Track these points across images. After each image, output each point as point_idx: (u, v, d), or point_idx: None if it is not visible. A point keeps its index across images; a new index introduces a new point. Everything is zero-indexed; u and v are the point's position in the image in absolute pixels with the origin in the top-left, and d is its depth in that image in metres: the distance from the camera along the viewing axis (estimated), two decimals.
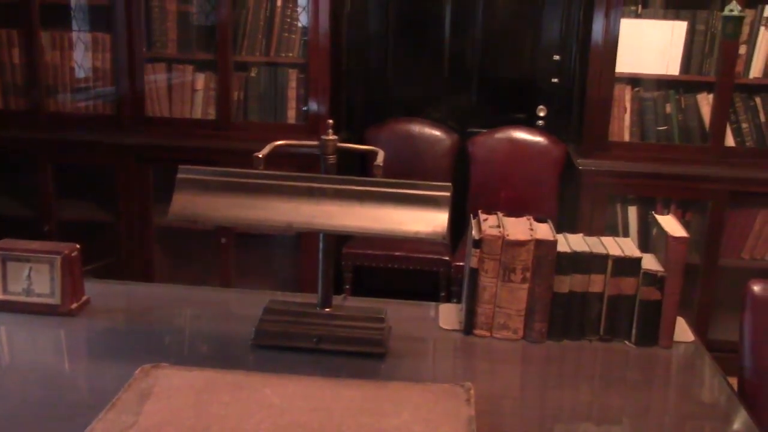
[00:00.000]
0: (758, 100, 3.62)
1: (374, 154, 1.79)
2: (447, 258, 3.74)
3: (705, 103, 3.64)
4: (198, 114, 3.87)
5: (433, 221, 1.65)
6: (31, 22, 3.80)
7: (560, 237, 1.89)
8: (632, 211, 3.74)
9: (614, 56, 3.59)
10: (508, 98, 4.29)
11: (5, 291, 1.93)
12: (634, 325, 1.88)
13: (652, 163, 3.62)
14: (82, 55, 3.89)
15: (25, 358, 1.79)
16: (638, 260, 1.86)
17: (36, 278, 1.91)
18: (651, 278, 1.85)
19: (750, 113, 3.63)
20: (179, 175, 1.74)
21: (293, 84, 3.81)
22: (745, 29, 3.51)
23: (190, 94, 3.86)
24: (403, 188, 1.68)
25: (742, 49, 3.55)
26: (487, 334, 1.90)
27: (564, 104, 4.16)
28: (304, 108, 3.80)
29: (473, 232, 1.88)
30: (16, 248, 1.93)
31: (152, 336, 1.89)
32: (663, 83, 3.68)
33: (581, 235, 1.96)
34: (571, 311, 1.88)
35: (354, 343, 1.78)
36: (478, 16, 4.20)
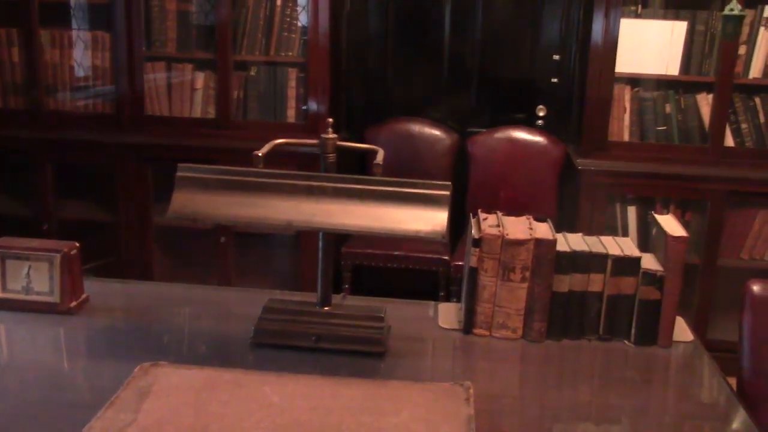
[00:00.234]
0: (758, 100, 3.62)
1: (374, 153, 1.79)
2: (446, 257, 3.74)
3: (704, 103, 3.64)
4: (197, 113, 3.86)
5: (432, 220, 1.65)
6: (30, 20, 3.80)
7: (559, 236, 1.89)
8: (631, 211, 3.74)
9: (614, 56, 3.59)
10: (508, 98, 4.29)
11: (4, 289, 1.92)
12: (634, 325, 1.88)
13: (652, 163, 3.62)
14: (82, 53, 3.89)
15: (24, 357, 1.78)
16: (637, 260, 1.86)
17: (35, 276, 1.91)
18: (650, 278, 1.85)
19: (749, 113, 3.63)
20: (178, 174, 1.74)
21: (293, 83, 3.81)
22: (745, 29, 3.51)
23: (190, 93, 3.86)
24: (402, 187, 1.68)
25: (742, 50, 3.55)
26: (487, 333, 1.90)
27: (563, 104, 4.16)
28: (304, 107, 3.80)
29: (473, 231, 1.88)
30: (15, 246, 1.93)
31: (151, 334, 1.89)
32: (662, 83, 3.68)
33: (580, 234, 1.96)
34: (571, 311, 1.88)
35: (353, 342, 1.78)
36: (477, 16, 4.20)
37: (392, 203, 1.67)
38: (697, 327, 3.60)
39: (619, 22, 3.56)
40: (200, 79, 3.84)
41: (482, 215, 1.95)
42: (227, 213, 1.72)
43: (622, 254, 1.86)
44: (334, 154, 1.78)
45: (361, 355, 1.77)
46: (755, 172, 3.57)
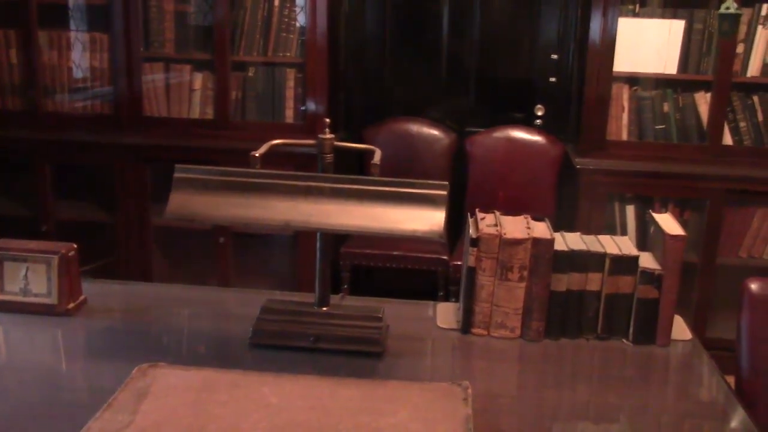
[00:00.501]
0: (756, 98, 3.62)
1: (371, 153, 1.79)
2: (445, 257, 3.74)
3: (703, 101, 3.64)
4: (196, 114, 3.86)
5: (430, 220, 1.65)
6: (28, 21, 3.80)
7: (557, 235, 1.89)
8: (630, 210, 3.74)
9: (612, 55, 3.59)
10: (506, 97, 4.29)
11: (2, 291, 1.92)
12: (632, 324, 1.88)
13: (650, 162, 3.62)
14: (80, 54, 3.89)
15: (22, 358, 1.78)
16: (635, 258, 1.86)
17: (33, 278, 1.91)
18: (648, 277, 1.85)
19: (747, 112, 3.63)
20: (176, 174, 1.74)
21: (291, 84, 3.81)
22: (743, 28, 3.51)
23: (188, 93, 3.86)
24: (400, 187, 1.68)
25: (740, 48, 3.55)
26: (485, 332, 1.90)
27: (562, 103, 4.16)
28: (302, 108, 3.80)
29: (470, 231, 1.88)
30: (13, 248, 1.93)
31: (149, 335, 1.89)
32: (661, 82, 3.68)
33: (578, 233, 1.96)
34: (569, 310, 1.88)
35: (351, 342, 1.78)
36: (475, 16, 4.20)
37: (390, 203, 1.67)
38: (696, 325, 3.61)
39: (617, 21, 3.56)
40: (198, 79, 3.84)
41: (480, 215, 1.95)
42: (224, 214, 1.72)
43: (620, 253, 1.86)
44: (332, 155, 1.78)
45: (360, 355, 1.77)
46: (754, 171, 3.57)
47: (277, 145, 1.80)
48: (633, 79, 3.69)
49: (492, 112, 4.26)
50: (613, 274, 1.86)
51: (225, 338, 1.90)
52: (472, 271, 1.87)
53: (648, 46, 3.62)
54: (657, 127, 3.69)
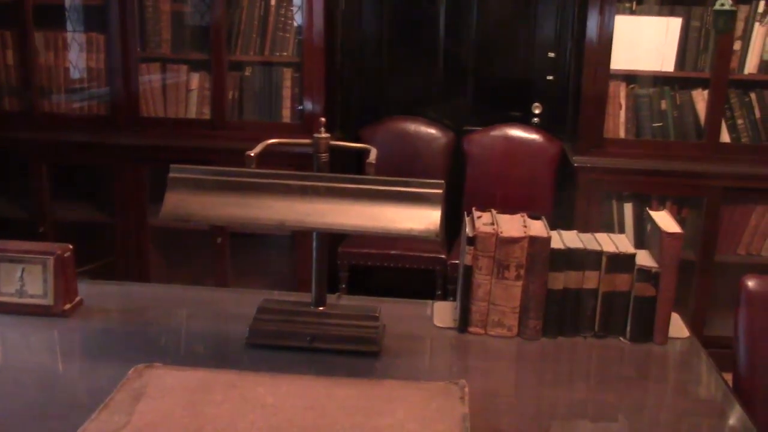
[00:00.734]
0: (753, 95, 3.62)
1: (367, 152, 1.79)
2: (443, 256, 3.74)
3: (700, 99, 3.64)
4: (193, 114, 3.86)
5: (426, 219, 1.65)
6: (24, 22, 3.79)
7: (554, 234, 1.89)
8: (628, 208, 3.74)
9: (609, 53, 3.59)
10: (504, 96, 4.29)
11: None
12: (629, 322, 1.88)
13: (648, 160, 3.62)
14: (77, 55, 3.88)
15: (17, 359, 1.78)
16: (632, 256, 1.85)
17: (28, 279, 1.90)
18: (645, 274, 1.85)
19: (745, 109, 3.63)
20: (171, 174, 1.74)
21: (288, 83, 3.81)
22: (740, 25, 3.51)
23: (185, 94, 3.86)
24: (395, 186, 1.68)
25: (737, 45, 3.54)
26: (482, 331, 1.89)
27: (559, 102, 4.15)
28: (299, 107, 3.80)
29: (467, 230, 1.87)
30: (8, 249, 1.92)
31: (146, 336, 1.88)
32: (658, 80, 3.68)
33: (575, 231, 1.95)
34: (566, 308, 1.88)
35: (348, 341, 1.77)
36: (472, 14, 4.20)
37: (385, 202, 1.67)
38: (694, 323, 3.60)
39: (613, 18, 3.55)
40: (195, 79, 3.84)
41: (476, 213, 1.94)
42: (220, 213, 1.71)
43: (616, 251, 1.85)
44: (327, 154, 1.78)
45: (356, 354, 1.76)
46: (751, 168, 3.57)
47: (272, 144, 1.80)
48: (630, 77, 3.68)
49: (489, 111, 4.25)
50: (610, 272, 1.85)
51: (222, 338, 1.89)
52: (468, 270, 1.86)
53: (645, 43, 3.62)
54: (654, 124, 3.69)
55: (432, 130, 4.11)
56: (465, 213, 1.97)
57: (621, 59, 3.62)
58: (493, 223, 1.88)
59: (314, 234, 1.82)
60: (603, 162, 3.63)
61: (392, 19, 4.27)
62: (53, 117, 3.90)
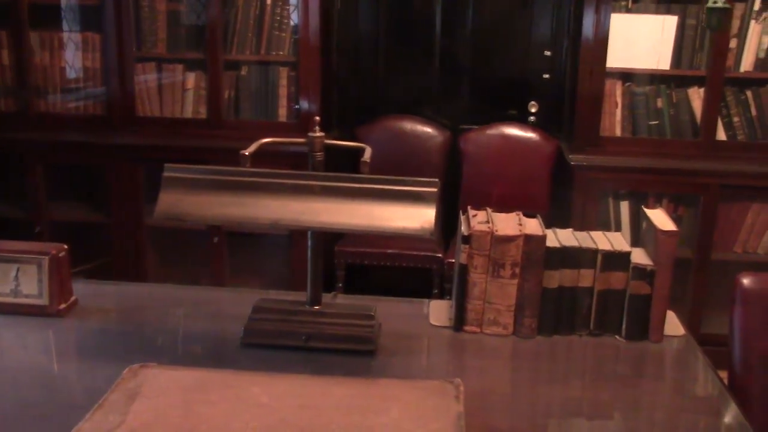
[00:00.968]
0: (749, 93, 3.62)
1: (362, 150, 1.79)
2: (440, 255, 3.74)
3: (696, 97, 3.64)
4: (189, 113, 3.86)
5: (420, 217, 1.64)
6: (20, 22, 3.78)
7: (549, 232, 1.89)
8: (624, 206, 3.74)
9: (605, 51, 3.59)
10: (500, 94, 4.28)
11: None
12: (624, 320, 1.88)
13: (644, 158, 3.62)
14: (73, 55, 3.88)
15: (12, 359, 1.77)
16: (627, 254, 1.85)
17: (23, 279, 1.90)
18: (640, 272, 1.85)
19: (741, 107, 3.63)
20: (165, 174, 1.73)
21: (284, 82, 3.80)
22: (735, 23, 3.51)
23: (181, 93, 3.85)
24: (390, 185, 1.68)
25: (733, 43, 3.55)
26: (477, 330, 1.89)
27: (556, 100, 4.15)
28: (296, 106, 3.79)
29: (462, 228, 1.87)
30: (3, 249, 1.92)
31: (141, 336, 1.88)
32: (654, 78, 3.69)
33: (570, 230, 1.95)
34: (561, 306, 1.88)
35: (343, 340, 1.77)
36: (468, 13, 4.20)
37: (380, 201, 1.67)
38: (691, 321, 3.61)
39: (609, 17, 3.56)
40: (191, 79, 3.83)
41: (472, 212, 1.94)
42: (215, 213, 1.71)
43: (612, 249, 1.85)
44: (322, 153, 1.78)
45: (352, 353, 1.76)
46: (747, 166, 3.58)
47: (267, 143, 1.79)
48: (626, 75, 3.68)
49: (486, 110, 4.25)
50: (605, 270, 1.85)
51: (218, 338, 1.89)
52: (464, 269, 1.86)
53: (641, 41, 3.62)
54: (651, 122, 3.69)
55: (428, 129, 4.11)
56: (460, 211, 1.97)
57: (617, 57, 3.62)
58: (488, 222, 1.88)
59: (309, 233, 1.81)
60: (599, 160, 3.63)
61: (388, 18, 4.27)
62: (49, 117, 3.90)
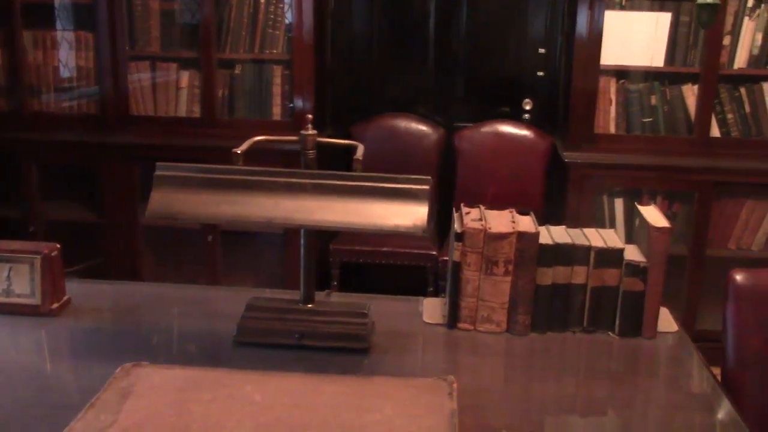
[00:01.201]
0: (743, 90, 3.62)
1: (354, 148, 1.79)
2: (434, 253, 3.74)
3: (690, 94, 3.64)
4: (183, 112, 3.85)
5: (413, 215, 1.64)
6: (12, 22, 3.77)
7: (543, 229, 1.89)
8: (619, 203, 3.75)
9: (599, 48, 3.59)
10: (494, 92, 4.29)
11: None
12: (618, 317, 1.88)
13: (638, 155, 3.63)
14: (66, 54, 3.87)
15: (5, 359, 1.77)
16: (620, 251, 1.85)
17: (16, 278, 1.89)
18: (633, 269, 1.85)
19: (735, 104, 3.63)
20: (157, 173, 1.73)
21: (278, 81, 3.80)
22: (729, 19, 3.51)
23: (175, 92, 3.85)
24: (382, 182, 1.67)
25: (727, 40, 3.55)
26: (471, 327, 1.89)
27: (550, 97, 4.15)
28: (290, 105, 3.79)
29: (455, 226, 1.87)
30: None
31: (134, 335, 1.87)
32: (648, 75, 3.69)
33: (563, 227, 1.95)
34: (555, 303, 1.87)
35: (336, 338, 1.77)
36: (463, 11, 4.20)
37: (372, 199, 1.66)
38: (686, 317, 3.62)
39: (603, 14, 3.55)
40: (185, 77, 3.83)
41: (465, 209, 1.94)
42: (207, 211, 1.71)
43: (605, 246, 1.85)
44: (314, 151, 1.77)
45: (345, 351, 1.76)
46: (741, 162, 3.58)
47: (259, 141, 1.79)
48: (620, 72, 3.68)
49: (480, 107, 4.25)
50: (599, 267, 1.85)
51: (211, 337, 1.89)
52: (457, 266, 1.86)
53: (635, 39, 3.62)
54: (645, 119, 3.69)
55: (423, 127, 4.11)
56: (453, 209, 1.97)
57: (611, 55, 3.62)
58: (481, 219, 1.88)
59: (302, 231, 1.81)
60: (594, 157, 3.63)
61: (383, 16, 4.27)
62: (43, 116, 3.89)
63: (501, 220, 1.88)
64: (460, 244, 1.85)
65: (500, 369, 1.85)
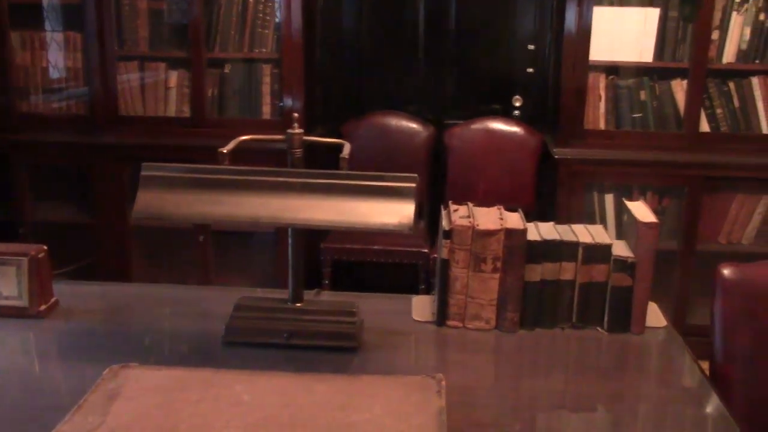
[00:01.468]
0: (732, 85, 3.63)
1: (341, 147, 1.78)
2: (425, 250, 3.74)
3: (679, 89, 3.65)
4: (172, 112, 3.84)
5: (399, 213, 1.64)
6: (0, 22, 3.75)
7: (531, 226, 1.89)
8: (609, 199, 3.75)
9: (588, 44, 3.59)
10: (484, 89, 4.29)
11: None
12: (606, 312, 1.88)
13: (628, 151, 3.63)
14: (55, 55, 3.85)
15: None
16: (608, 247, 1.85)
17: (3, 281, 1.89)
18: (622, 264, 1.85)
19: (724, 98, 3.64)
20: (143, 173, 1.72)
21: (267, 80, 3.79)
22: (717, 14, 3.52)
23: (164, 92, 3.83)
24: (369, 180, 1.67)
25: (715, 35, 3.55)
26: (460, 324, 1.89)
27: (540, 94, 4.16)
28: (280, 104, 3.78)
29: (443, 223, 1.87)
30: None
31: (122, 336, 1.87)
32: (637, 70, 3.69)
33: (552, 223, 1.95)
34: (543, 300, 1.88)
35: (325, 337, 1.77)
36: (452, 8, 4.19)
37: (359, 197, 1.66)
38: (676, 312, 3.63)
39: (592, 10, 3.56)
40: (174, 77, 3.82)
41: (453, 206, 1.94)
42: (194, 211, 1.70)
43: (593, 242, 1.86)
44: (301, 150, 1.77)
45: (334, 350, 1.76)
46: (731, 157, 3.59)
47: (246, 141, 1.79)
48: (609, 68, 3.69)
49: (470, 104, 4.25)
50: (587, 263, 1.85)
51: (200, 337, 1.88)
52: (445, 263, 1.86)
53: (624, 34, 3.62)
54: (634, 115, 3.70)
55: (413, 125, 4.11)
56: (441, 206, 1.97)
57: (600, 50, 3.62)
58: (469, 216, 1.88)
59: (289, 230, 1.81)
60: (583, 153, 3.64)
61: (372, 14, 4.26)
62: (32, 117, 3.87)
63: (489, 217, 1.88)
64: (449, 241, 1.85)
65: (489, 366, 1.85)
